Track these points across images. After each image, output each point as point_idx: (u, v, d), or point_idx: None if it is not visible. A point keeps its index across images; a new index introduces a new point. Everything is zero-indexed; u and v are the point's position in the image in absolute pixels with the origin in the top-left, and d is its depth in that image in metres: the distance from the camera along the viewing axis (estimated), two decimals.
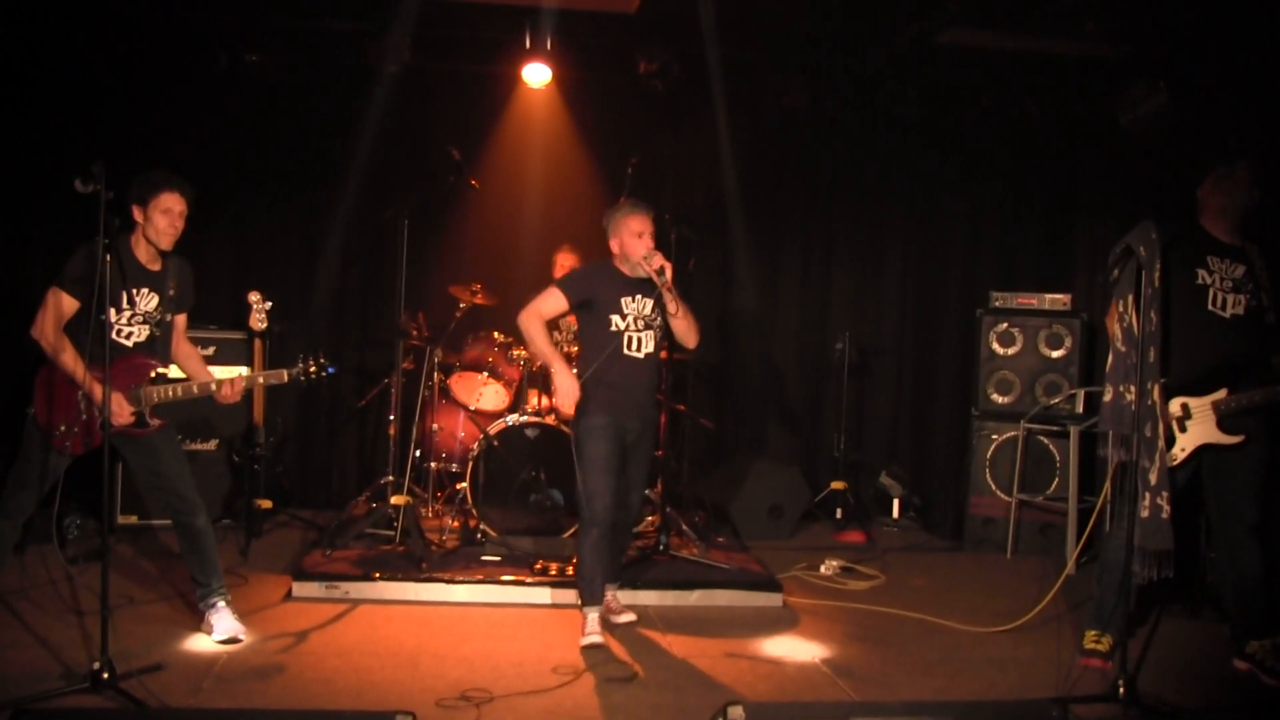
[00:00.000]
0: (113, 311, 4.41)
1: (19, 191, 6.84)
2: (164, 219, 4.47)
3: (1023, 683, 4.55)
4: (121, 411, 4.43)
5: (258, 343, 6.49)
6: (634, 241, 4.81)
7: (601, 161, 7.59)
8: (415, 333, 6.61)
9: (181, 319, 4.81)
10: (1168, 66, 6.64)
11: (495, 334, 6.67)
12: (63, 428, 4.41)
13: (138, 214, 4.48)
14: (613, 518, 4.85)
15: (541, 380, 6.52)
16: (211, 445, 6.77)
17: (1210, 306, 4.54)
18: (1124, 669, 4.12)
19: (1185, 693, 4.42)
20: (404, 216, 6.22)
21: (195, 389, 4.65)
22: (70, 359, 4.36)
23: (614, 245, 4.91)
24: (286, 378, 4.75)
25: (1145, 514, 4.28)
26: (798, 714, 3.63)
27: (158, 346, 4.64)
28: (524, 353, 6.55)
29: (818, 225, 8.30)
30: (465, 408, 6.66)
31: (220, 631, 4.66)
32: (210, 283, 7.32)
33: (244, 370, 6.70)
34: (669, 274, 4.72)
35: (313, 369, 4.79)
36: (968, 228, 8.24)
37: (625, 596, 5.37)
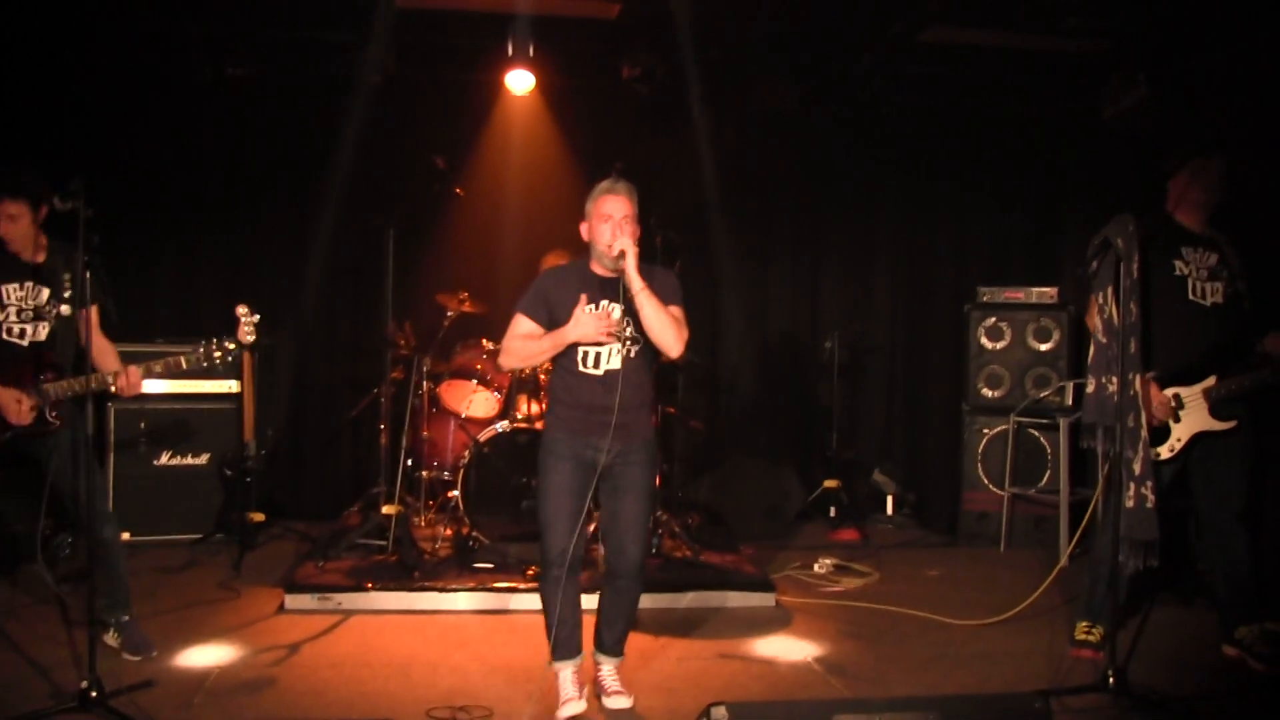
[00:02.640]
0: None
1: None
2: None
3: (1015, 675, 4.55)
4: (20, 409, 4.30)
5: (246, 356, 6.50)
6: (600, 226, 4.03)
7: (587, 167, 7.57)
8: (403, 342, 6.60)
9: (91, 312, 4.51)
10: (1147, 60, 6.65)
11: (484, 341, 6.66)
12: None
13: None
14: (578, 559, 4.08)
15: (531, 386, 6.52)
16: (203, 459, 6.77)
17: (1191, 296, 4.59)
18: (1113, 659, 4.13)
19: (1176, 681, 4.43)
20: (390, 226, 6.22)
21: (93, 382, 4.30)
22: None
23: (583, 231, 4.14)
24: (185, 364, 4.51)
25: (1130, 504, 4.29)
26: (781, 712, 3.63)
27: (59, 343, 4.48)
28: None
29: (805, 225, 8.32)
30: (455, 416, 6.66)
31: (127, 648, 4.56)
32: (198, 296, 7.41)
33: (234, 384, 6.73)
34: (632, 260, 3.93)
35: (216, 352, 4.50)
36: (954, 224, 8.26)
37: None
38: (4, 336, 4.38)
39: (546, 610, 4.11)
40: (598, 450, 4.01)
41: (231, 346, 4.52)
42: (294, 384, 7.50)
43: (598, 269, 4.11)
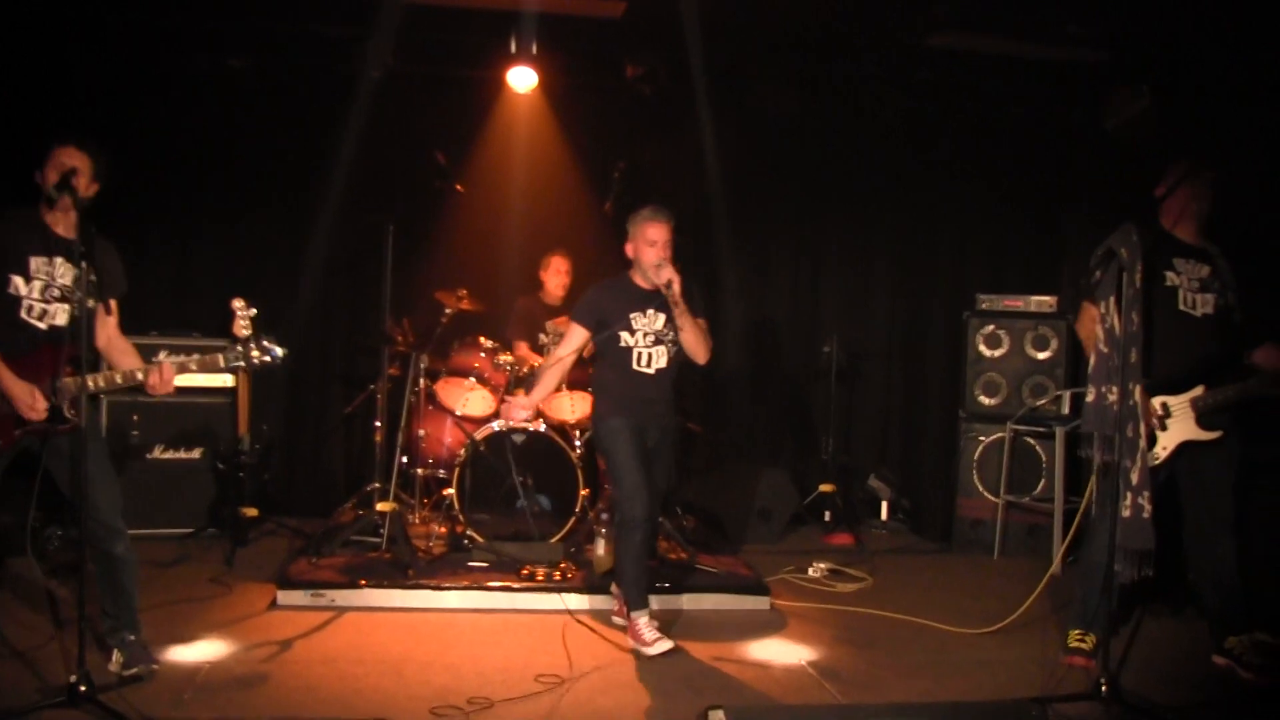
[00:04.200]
0: (20, 281, 3.99)
1: None
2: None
3: (1009, 683, 4.54)
4: (35, 404, 3.93)
5: None
6: (647, 250, 4.86)
7: (588, 166, 7.59)
8: (401, 339, 6.58)
9: (112, 307, 4.27)
10: (1150, 71, 6.66)
11: (481, 339, 6.64)
12: None
13: (39, 177, 4.03)
14: (649, 514, 4.86)
15: (528, 386, 6.50)
16: (196, 453, 6.74)
17: (1181, 306, 4.61)
18: (1106, 667, 4.13)
19: (1167, 689, 4.44)
20: (389, 222, 6.20)
21: (119, 378, 4.11)
22: None
23: (629, 250, 4.97)
24: (223, 363, 4.24)
25: (1127, 513, 4.29)
26: (780, 717, 3.62)
27: (78, 332, 3.98)
28: (510, 358, 6.54)
29: (806, 229, 8.33)
30: (451, 413, 6.64)
31: (127, 665, 4.24)
32: (193, 289, 7.37)
33: (228, 378, 6.70)
34: (677, 287, 4.74)
35: (254, 353, 4.20)
36: (955, 231, 8.27)
37: (609, 601, 5.36)
38: (21, 315, 3.99)
39: (627, 569, 4.85)
40: (646, 433, 4.94)
41: (269, 346, 4.23)
42: (289, 379, 7.46)
43: (640, 281, 4.99)
